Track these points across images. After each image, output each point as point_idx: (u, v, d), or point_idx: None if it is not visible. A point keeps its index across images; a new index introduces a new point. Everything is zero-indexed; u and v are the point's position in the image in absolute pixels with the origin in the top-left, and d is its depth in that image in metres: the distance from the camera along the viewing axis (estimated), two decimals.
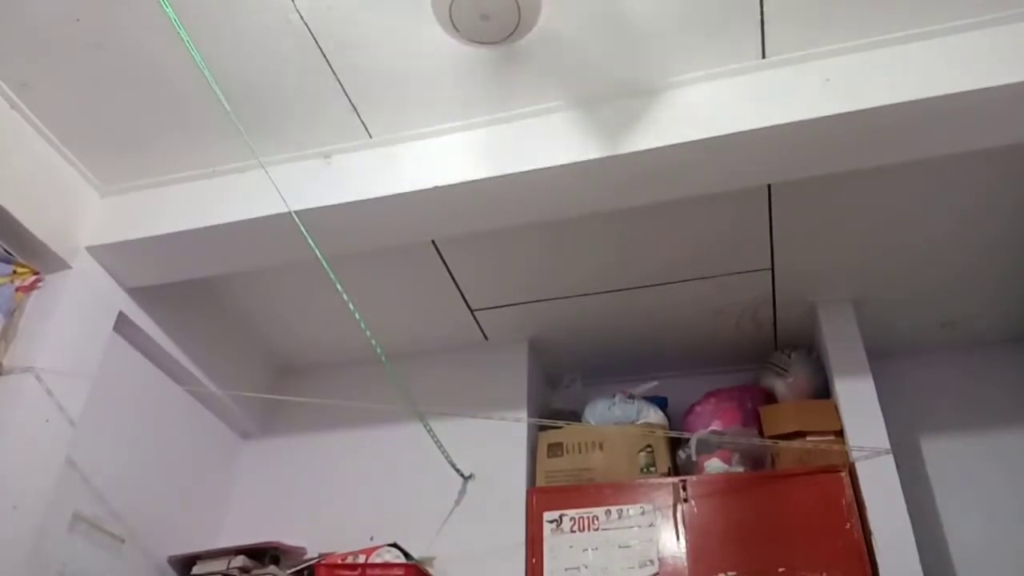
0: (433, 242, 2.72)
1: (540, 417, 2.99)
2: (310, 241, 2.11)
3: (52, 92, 2.23)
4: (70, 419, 2.28)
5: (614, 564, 2.53)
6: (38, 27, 2.05)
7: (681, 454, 2.84)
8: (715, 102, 2.11)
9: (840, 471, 2.53)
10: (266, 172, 2.15)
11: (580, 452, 2.85)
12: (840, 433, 2.67)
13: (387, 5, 1.99)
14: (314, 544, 2.72)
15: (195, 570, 2.62)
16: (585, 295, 2.97)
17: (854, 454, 2.54)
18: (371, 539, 2.67)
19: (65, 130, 2.34)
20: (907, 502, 2.43)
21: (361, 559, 2.56)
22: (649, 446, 2.81)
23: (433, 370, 3.13)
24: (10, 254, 2.29)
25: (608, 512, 2.63)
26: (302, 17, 2.02)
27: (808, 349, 3.05)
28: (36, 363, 2.21)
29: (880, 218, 2.59)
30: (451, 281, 2.91)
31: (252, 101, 2.22)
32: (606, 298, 2.96)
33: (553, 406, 3.17)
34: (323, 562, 2.58)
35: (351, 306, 2.23)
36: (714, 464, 2.73)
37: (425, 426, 2.61)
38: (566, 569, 2.56)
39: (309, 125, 2.33)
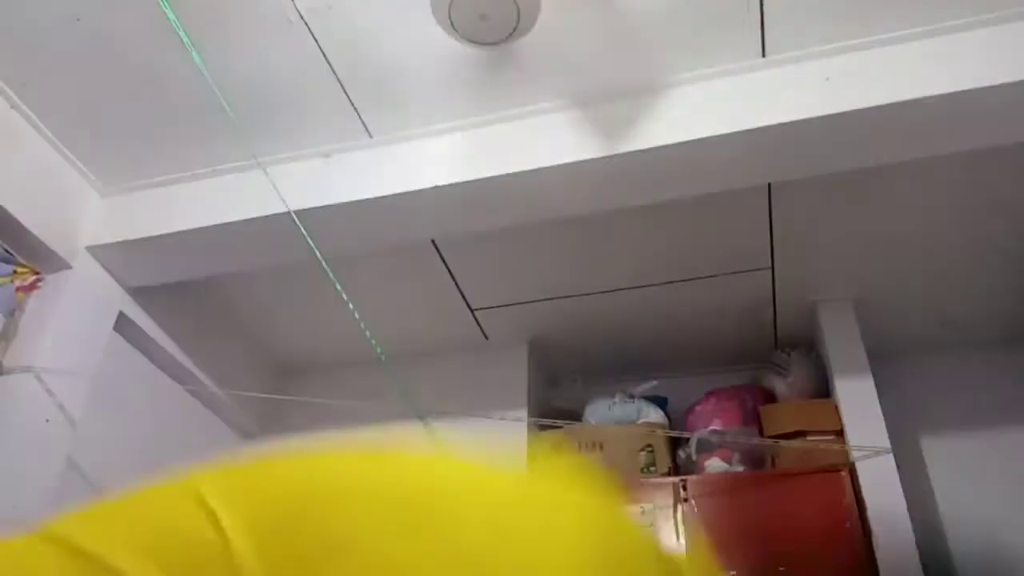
0: (433, 242, 2.72)
1: (540, 417, 2.99)
2: (310, 241, 2.11)
3: (52, 92, 2.23)
4: (70, 419, 2.28)
5: None
6: (38, 27, 2.05)
7: (681, 454, 2.84)
8: (715, 102, 2.11)
9: (840, 471, 2.53)
10: (266, 172, 2.15)
11: (580, 452, 2.85)
12: (840, 433, 2.67)
13: (387, 5, 1.99)
14: None
15: None
16: (585, 295, 2.97)
17: (854, 454, 2.54)
18: None
19: (65, 130, 2.34)
20: (907, 502, 2.44)
21: None
22: (649, 446, 2.81)
23: (433, 370, 3.13)
24: (10, 254, 2.29)
25: None
26: (302, 17, 2.02)
27: (808, 349, 3.05)
28: (36, 363, 2.21)
29: (880, 218, 2.59)
30: (451, 281, 2.91)
31: (252, 101, 2.22)
32: (606, 298, 2.96)
33: (553, 406, 3.17)
34: None
35: (351, 306, 2.23)
36: (714, 464, 2.73)
37: (425, 426, 2.61)
38: None
39: (309, 125, 2.33)
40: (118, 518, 0.61)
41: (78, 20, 2.03)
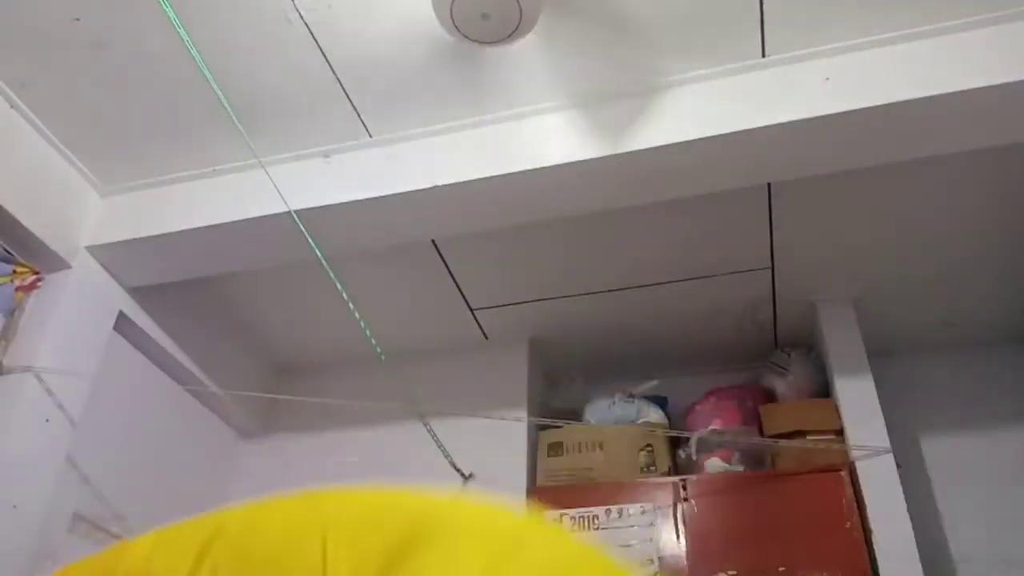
0: (433, 242, 2.72)
1: (540, 417, 2.99)
2: (310, 241, 2.11)
3: (52, 92, 2.23)
4: (70, 419, 2.28)
5: None
6: (38, 27, 2.05)
7: (681, 453, 2.84)
8: (715, 102, 2.11)
9: (840, 470, 2.53)
10: (266, 172, 2.15)
11: (580, 452, 2.85)
12: (840, 432, 2.67)
13: (387, 5, 1.99)
14: None
15: None
16: (585, 295, 2.97)
17: (854, 453, 2.54)
18: None
19: (65, 130, 2.34)
20: (907, 502, 2.44)
21: None
22: (649, 445, 2.81)
23: (433, 370, 3.12)
24: (10, 254, 2.29)
25: (608, 511, 2.63)
26: (302, 17, 2.02)
27: (808, 348, 3.05)
28: (36, 363, 2.21)
29: (880, 217, 2.59)
30: (451, 281, 2.91)
31: (252, 101, 2.21)
32: (606, 297, 2.96)
33: (553, 406, 3.16)
34: None
35: (351, 306, 2.23)
36: (714, 463, 2.73)
37: (425, 426, 2.61)
38: None
39: (309, 125, 2.33)
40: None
41: (78, 20, 2.03)
